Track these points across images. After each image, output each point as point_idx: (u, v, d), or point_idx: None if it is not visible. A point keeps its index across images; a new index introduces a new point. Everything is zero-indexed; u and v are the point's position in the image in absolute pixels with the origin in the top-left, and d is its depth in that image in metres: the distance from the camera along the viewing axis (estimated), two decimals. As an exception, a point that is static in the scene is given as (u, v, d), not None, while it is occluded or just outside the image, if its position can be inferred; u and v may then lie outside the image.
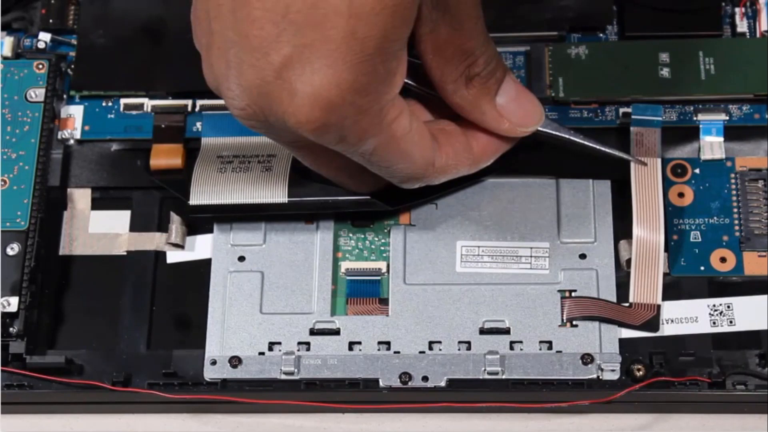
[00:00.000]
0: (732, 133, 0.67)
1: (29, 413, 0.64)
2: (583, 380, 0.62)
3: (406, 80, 0.56)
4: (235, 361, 0.63)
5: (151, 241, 0.67)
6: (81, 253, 0.66)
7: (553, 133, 0.62)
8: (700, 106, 0.67)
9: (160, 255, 0.66)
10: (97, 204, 0.68)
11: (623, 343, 0.63)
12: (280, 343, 0.63)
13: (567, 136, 0.62)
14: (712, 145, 0.67)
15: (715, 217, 0.65)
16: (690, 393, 0.61)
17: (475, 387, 0.62)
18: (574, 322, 0.63)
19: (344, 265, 0.65)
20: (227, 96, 0.55)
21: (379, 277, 0.65)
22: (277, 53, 0.52)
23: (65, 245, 0.67)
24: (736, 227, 0.65)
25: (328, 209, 0.64)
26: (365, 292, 0.64)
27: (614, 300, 0.63)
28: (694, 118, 0.67)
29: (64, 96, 0.70)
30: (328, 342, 0.63)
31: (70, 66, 0.70)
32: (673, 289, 0.64)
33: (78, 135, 0.69)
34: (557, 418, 0.63)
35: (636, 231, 0.63)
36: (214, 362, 0.63)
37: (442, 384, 0.62)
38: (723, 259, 0.64)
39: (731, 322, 0.63)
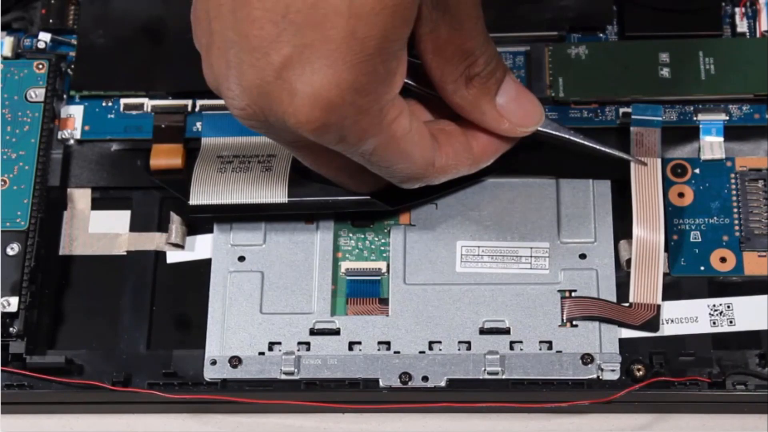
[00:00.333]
0: (732, 133, 0.67)
1: (29, 413, 0.64)
2: (583, 380, 0.62)
3: (406, 80, 0.56)
4: (235, 361, 0.63)
5: (151, 241, 0.67)
6: (81, 253, 0.66)
7: (553, 133, 0.62)
8: (700, 106, 0.67)
9: (160, 255, 0.66)
10: (97, 204, 0.68)
11: (623, 343, 0.63)
12: (280, 343, 0.63)
13: (567, 136, 0.62)
14: (712, 145, 0.67)
15: (715, 217, 0.65)
16: (690, 393, 0.61)
17: (475, 387, 0.62)
18: (574, 322, 0.63)
19: (344, 265, 0.65)
20: (227, 96, 0.55)
21: (379, 277, 0.65)
22: (277, 53, 0.52)
23: (65, 245, 0.67)
24: (736, 227, 0.65)
25: (328, 209, 0.64)
26: (365, 292, 0.64)
27: (614, 300, 0.63)
28: (694, 118, 0.67)
29: (64, 96, 0.70)
30: (328, 342, 0.63)
31: (70, 66, 0.70)
32: (673, 289, 0.64)
33: (78, 135, 0.69)
34: (557, 418, 0.63)
35: (636, 231, 0.63)
36: (214, 362, 0.63)
37: (442, 384, 0.62)
38: (723, 259, 0.64)
39: (731, 322, 0.63)
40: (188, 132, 0.68)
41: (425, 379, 0.62)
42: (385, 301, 0.64)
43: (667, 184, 0.66)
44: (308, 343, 0.63)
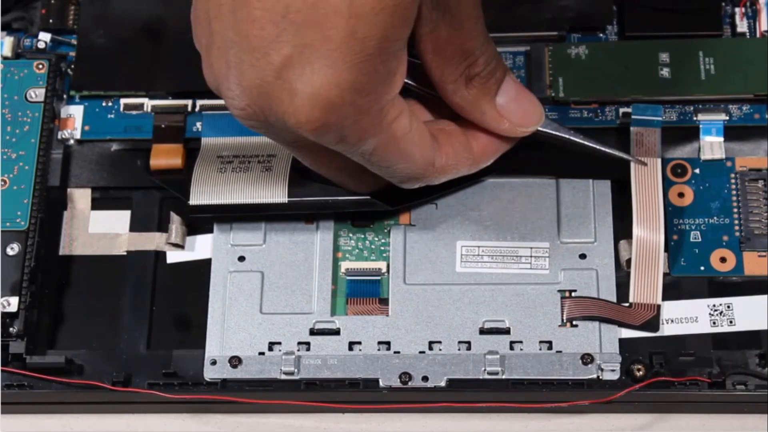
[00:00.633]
0: (732, 133, 0.67)
1: (29, 413, 0.64)
2: (583, 380, 0.62)
3: (406, 80, 0.56)
4: (235, 361, 0.63)
5: (151, 241, 0.67)
6: (81, 253, 0.66)
7: (553, 133, 0.62)
8: (700, 106, 0.67)
9: (160, 255, 0.66)
10: (97, 204, 0.68)
11: (623, 343, 0.63)
12: (280, 343, 0.63)
13: (567, 136, 0.62)
14: (712, 145, 0.67)
15: (715, 217, 0.65)
16: (690, 393, 0.61)
17: (475, 387, 0.62)
18: (574, 322, 0.63)
19: (344, 265, 0.65)
20: (227, 96, 0.55)
21: (379, 277, 0.65)
22: (277, 53, 0.52)
23: (65, 245, 0.67)
24: (736, 227, 0.65)
25: (328, 209, 0.64)
26: (365, 292, 0.64)
27: (614, 300, 0.63)
28: (694, 118, 0.67)
29: (64, 96, 0.70)
30: (328, 342, 0.63)
31: (70, 66, 0.70)
32: (673, 289, 0.64)
33: (78, 135, 0.69)
34: (557, 418, 0.63)
35: (636, 231, 0.63)
36: (214, 362, 0.63)
37: (442, 384, 0.62)
38: (723, 259, 0.64)
39: (731, 322, 0.63)
40: (188, 132, 0.68)
41: (425, 379, 0.62)
42: (385, 301, 0.64)
43: (667, 184, 0.66)
44: (308, 343, 0.63)
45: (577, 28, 0.70)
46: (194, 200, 0.64)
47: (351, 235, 0.66)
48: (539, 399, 0.61)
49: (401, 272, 0.64)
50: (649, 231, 0.63)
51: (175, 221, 0.66)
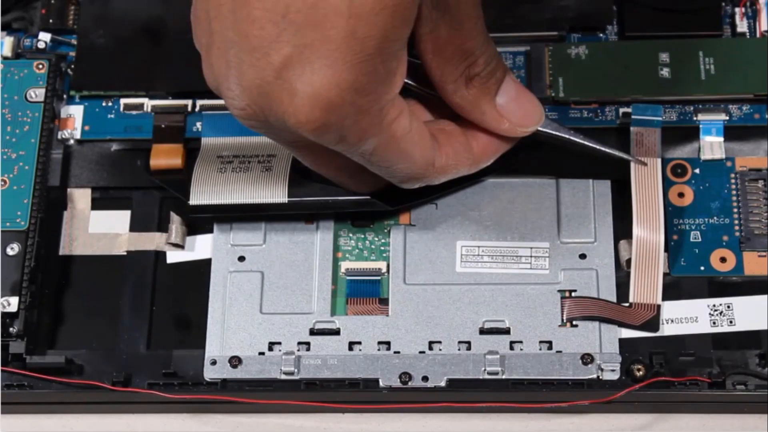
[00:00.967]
0: (732, 133, 0.67)
1: (29, 413, 0.64)
2: (583, 380, 0.62)
3: (406, 80, 0.56)
4: (235, 361, 0.63)
5: (151, 241, 0.67)
6: (81, 253, 0.66)
7: (553, 133, 0.62)
8: (700, 106, 0.67)
9: (160, 255, 0.66)
10: (97, 204, 0.68)
11: (623, 343, 0.63)
12: (280, 343, 0.63)
13: (567, 136, 0.62)
14: (712, 145, 0.67)
15: (715, 217, 0.65)
16: (690, 393, 0.61)
17: (475, 387, 0.62)
18: (574, 322, 0.63)
19: (344, 265, 0.65)
20: (227, 96, 0.55)
21: (379, 277, 0.65)
22: (277, 53, 0.52)
23: (65, 245, 0.67)
24: (736, 227, 0.65)
25: (328, 209, 0.64)
26: (365, 292, 0.64)
27: (614, 300, 0.63)
28: (694, 118, 0.67)
29: (64, 96, 0.70)
30: (328, 342, 0.63)
31: (70, 66, 0.70)
32: (673, 289, 0.64)
33: (78, 135, 0.69)
34: (557, 418, 0.63)
35: (636, 231, 0.63)
36: (214, 362, 0.63)
37: (442, 384, 0.62)
38: (723, 259, 0.64)
39: (731, 322, 0.63)
40: (188, 132, 0.68)
41: (425, 379, 0.62)
42: (385, 301, 0.64)
43: (667, 184, 0.66)
44: (308, 343, 0.63)
45: (577, 28, 0.70)
46: (194, 200, 0.64)
47: (351, 235, 0.66)
48: (539, 399, 0.61)
49: (401, 272, 0.64)
50: (649, 231, 0.63)
51: (175, 221, 0.66)
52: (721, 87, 0.67)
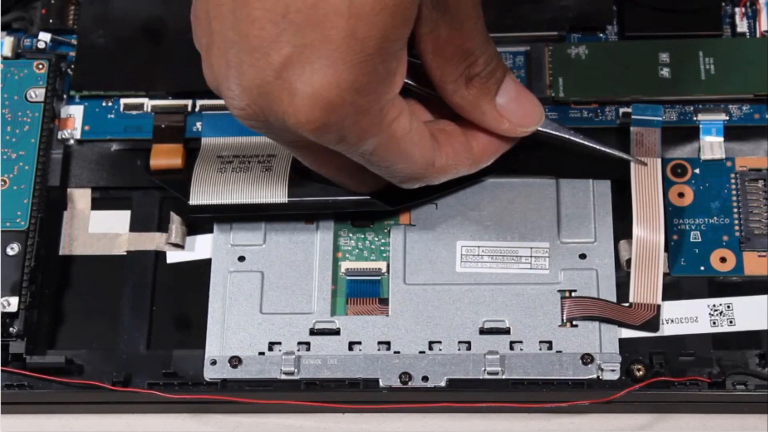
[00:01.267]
0: (732, 133, 0.67)
1: (29, 413, 0.64)
2: (583, 380, 0.62)
3: (406, 80, 0.56)
4: (235, 361, 0.63)
5: (151, 241, 0.67)
6: (81, 253, 0.66)
7: (553, 133, 0.62)
8: (700, 106, 0.67)
9: (160, 255, 0.66)
10: (97, 204, 0.68)
11: (623, 343, 0.63)
12: (280, 343, 0.63)
13: (567, 136, 0.62)
14: (712, 145, 0.67)
15: (715, 217, 0.65)
16: (690, 393, 0.61)
17: (475, 387, 0.62)
18: (574, 322, 0.63)
19: (344, 265, 0.65)
20: (227, 96, 0.55)
21: (379, 277, 0.65)
22: (277, 53, 0.52)
23: (65, 245, 0.67)
24: (736, 227, 0.65)
25: (328, 209, 0.64)
26: (365, 292, 0.64)
27: (614, 300, 0.63)
28: (694, 118, 0.67)
29: (64, 96, 0.70)
30: (328, 342, 0.63)
31: (70, 66, 0.70)
32: (673, 289, 0.64)
33: (78, 135, 0.69)
34: (557, 418, 0.63)
35: (636, 231, 0.63)
36: (214, 362, 0.63)
37: (442, 384, 0.62)
38: (723, 259, 0.64)
39: (731, 322, 0.63)
40: (188, 132, 0.68)
41: (425, 379, 0.62)
42: (385, 301, 0.64)
43: (667, 184, 0.66)
44: (308, 343, 0.63)
45: (577, 28, 0.70)
46: (194, 200, 0.64)
47: (351, 235, 0.66)
48: (539, 399, 0.61)
49: (401, 272, 0.64)
50: (649, 231, 0.63)
51: (175, 221, 0.66)
52: (721, 87, 0.67)
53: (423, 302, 0.63)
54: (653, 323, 0.63)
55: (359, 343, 0.63)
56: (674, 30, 0.69)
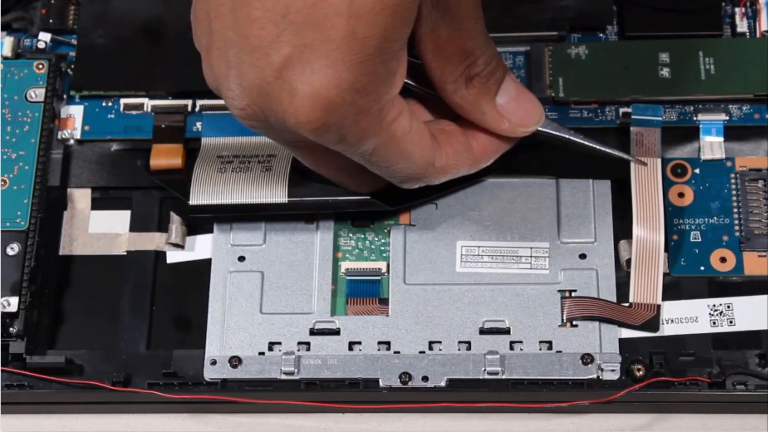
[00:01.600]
0: (732, 133, 0.67)
1: (29, 413, 0.64)
2: (583, 380, 0.62)
3: (406, 80, 0.56)
4: (235, 361, 0.63)
5: (151, 241, 0.67)
6: (81, 253, 0.66)
7: (553, 133, 0.62)
8: (700, 106, 0.67)
9: (160, 255, 0.66)
10: (97, 204, 0.68)
11: (623, 343, 0.63)
12: (280, 343, 0.63)
13: (567, 136, 0.62)
14: (712, 145, 0.67)
15: (715, 217, 0.65)
16: (690, 393, 0.61)
17: (475, 387, 0.62)
18: (574, 322, 0.63)
19: (344, 265, 0.65)
20: (227, 96, 0.55)
21: (379, 277, 0.65)
22: (277, 53, 0.52)
23: (65, 245, 0.67)
24: (736, 227, 0.65)
25: (328, 209, 0.64)
26: (365, 292, 0.64)
27: (614, 300, 0.63)
28: (694, 118, 0.67)
29: (64, 96, 0.70)
30: (328, 342, 0.63)
31: (70, 66, 0.70)
32: (673, 289, 0.64)
33: (78, 135, 0.69)
34: (557, 418, 0.63)
35: (636, 231, 0.63)
36: (214, 362, 0.63)
37: (442, 384, 0.62)
38: (723, 259, 0.64)
39: (731, 322, 0.63)
40: (188, 132, 0.68)
41: (425, 379, 0.62)
42: (385, 301, 0.64)
43: (667, 184, 0.66)
44: (308, 343, 0.63)
45: (577, 28, 0.70)
46: (194, 200, 0.64)
47: (351, 235, 0.66)
48: (539, 399, 0.61)
49: (401, 272, 0.64)
50: (649, 231, 0.63)
51: (175, 221, 0.66)
52: (721, 87, 0.67)
53: (423, 302, 0.63)
54: (653, 323, 0.63)
55: (359, 343, 0.63)
56: (674, 30, 0.69)
